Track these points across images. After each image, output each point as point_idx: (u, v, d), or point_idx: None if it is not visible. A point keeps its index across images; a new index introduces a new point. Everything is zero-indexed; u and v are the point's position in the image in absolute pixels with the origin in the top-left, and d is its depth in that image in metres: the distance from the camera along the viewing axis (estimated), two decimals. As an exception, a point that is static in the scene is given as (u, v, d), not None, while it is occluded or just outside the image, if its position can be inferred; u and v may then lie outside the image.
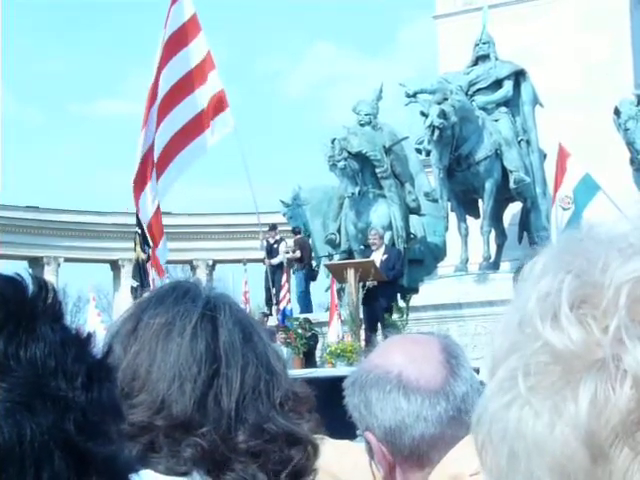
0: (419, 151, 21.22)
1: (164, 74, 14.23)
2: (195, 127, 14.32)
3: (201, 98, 14.34)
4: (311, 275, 21.45)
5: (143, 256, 15.28)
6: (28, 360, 0.89)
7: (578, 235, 0.80)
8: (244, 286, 21.44)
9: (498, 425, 0.76)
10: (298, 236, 20.88)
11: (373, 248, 17.32)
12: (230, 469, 1.45)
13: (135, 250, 15.75)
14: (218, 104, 14.32)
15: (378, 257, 16.92)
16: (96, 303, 26.77)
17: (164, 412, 1.50)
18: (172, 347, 1.54)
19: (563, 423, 0.71)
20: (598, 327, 0.72)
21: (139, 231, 14.71)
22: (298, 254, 20.82)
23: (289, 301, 19.05)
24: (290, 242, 22.96)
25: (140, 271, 15.61)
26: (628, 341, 0.70)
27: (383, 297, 16.24)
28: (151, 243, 14.52)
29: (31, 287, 0.94)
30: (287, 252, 21.51)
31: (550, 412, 0.72)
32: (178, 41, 14.34)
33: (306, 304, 21.01)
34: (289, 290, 19.46)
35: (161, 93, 14.22)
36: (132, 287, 16.11)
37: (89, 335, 0.98)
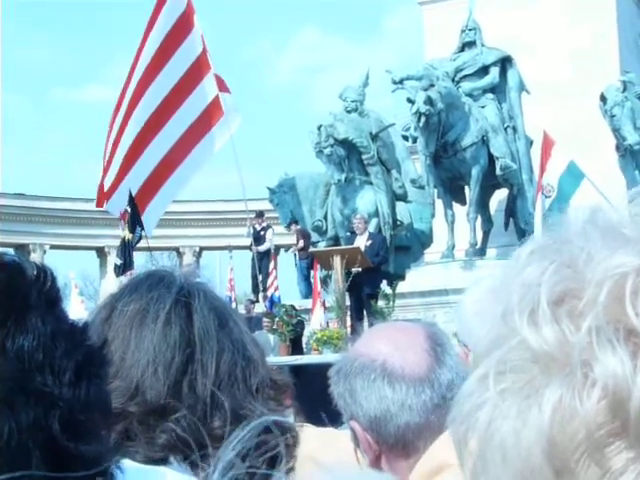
0: (406, 138, 21.21)
1: (163, 73, 14.27)
2: (197, 131, 14.48)
3: (199, 99, 14.45)
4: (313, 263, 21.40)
5: (129, 236, 15.40)
6: (15, 352, 0.86)
7: (579, 218, 0.71)
8: (230, 273, 21.38)
9: (472, 427, 0.70)
10: (298, 226, 20.82)
11: (357, 232, 17.29)
12: (206, 455, 1.44)
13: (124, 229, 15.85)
14: (215, 110, 14.44)
15: (362, 242, 16.90)
16: (82, 290, 26.71)
17: (138, 398, 1.48)
18: (146, 333, 1.53)
19: (528, 431, 0.65)
20: (573, 327, 0.65)
21: (129, 210, 14.86)
22: (302, 244, 20.76)
23: (277, 288, 19.01)
24: (277, 229, 22.94)
25: (125, 250, 15.73)
26: (598, 346, 0.63)
27: (368, 284, 16.23)
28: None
29: (29, 274, 0.91)
30: (292, 246, 21.47)
31: (516, 418, 0.66)
32: (176, 36, 14.36)
33: (310, 291, 20.95)
34: (277, 277, 19.42)
35: (161, 91, 14.31)
36: (115, 265, 16.23)
37: (85, 325, 0.95)
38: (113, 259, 37.24)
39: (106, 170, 14.79)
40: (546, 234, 0.72)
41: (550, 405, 0.64)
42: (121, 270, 15.67)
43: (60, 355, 0.89)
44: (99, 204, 15.52)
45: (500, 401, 0.67)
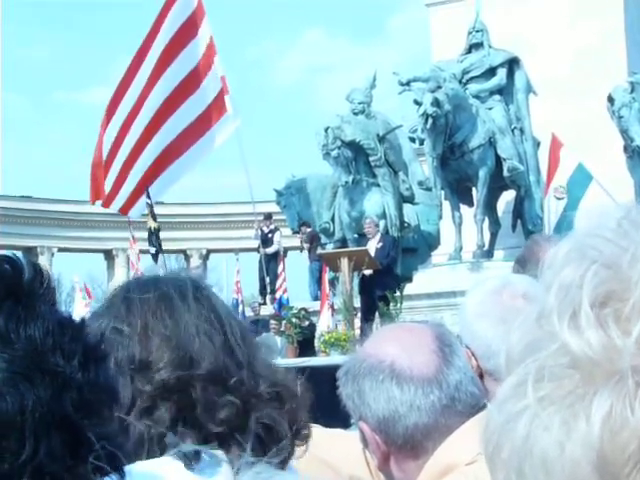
0: (413, 140, 21.18)
1: (167, 74, 14.43)
2: (200, 126, 14.66)
3: (202, 97, 14.59)
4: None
5: (155, 225, 15.78)
6: (27, 337, 0.90)
7: (616, 215, 0.66)
8: (236, 275, 21.40)
9: (507, 437, 0.65)
10: (309, 229, 20.82)
11: (369, 237, 17.31)
12: (256, 416, 1.52)
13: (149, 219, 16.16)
14: (219, 108, 14.58)
15: (374, 245, 16.91)
16: (89, 293, 26.73)
17: (194, 369, 1.54)
18: (180, 312, 1.59)
19: (573, 443, 0.61)
20: (620, 331, 0.60)
21: (149, 202, 15.22)
22: (314, 245, 20.74)
23: (285, 290, 19.02)
24: (285, 231, 22.93)
25: (154, 238, 16.08)
26: None
27: (379, 286, 16.23)
28: None
29: (27, 270, 0.95)
30: (303, 247, 21.50)
31: (560, 429, 0.61)
32: (182, 38, 14.50)
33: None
34: (285, 279, 19.44)
35: (164, 92, 14.47)
36: (152, 254, 16.54)
37: (82, 320, 0.99)
38: (121, 261, 37.33)
39: (104, 169, 15.11)
40: (578, 230, 0.68)
41: (600, 416, 0.60)
42: (156, 258, 16.09)
43: (68, 340, 0.93)
44: (96, 201, 16.00)
45: (540, 410, 0.63)
